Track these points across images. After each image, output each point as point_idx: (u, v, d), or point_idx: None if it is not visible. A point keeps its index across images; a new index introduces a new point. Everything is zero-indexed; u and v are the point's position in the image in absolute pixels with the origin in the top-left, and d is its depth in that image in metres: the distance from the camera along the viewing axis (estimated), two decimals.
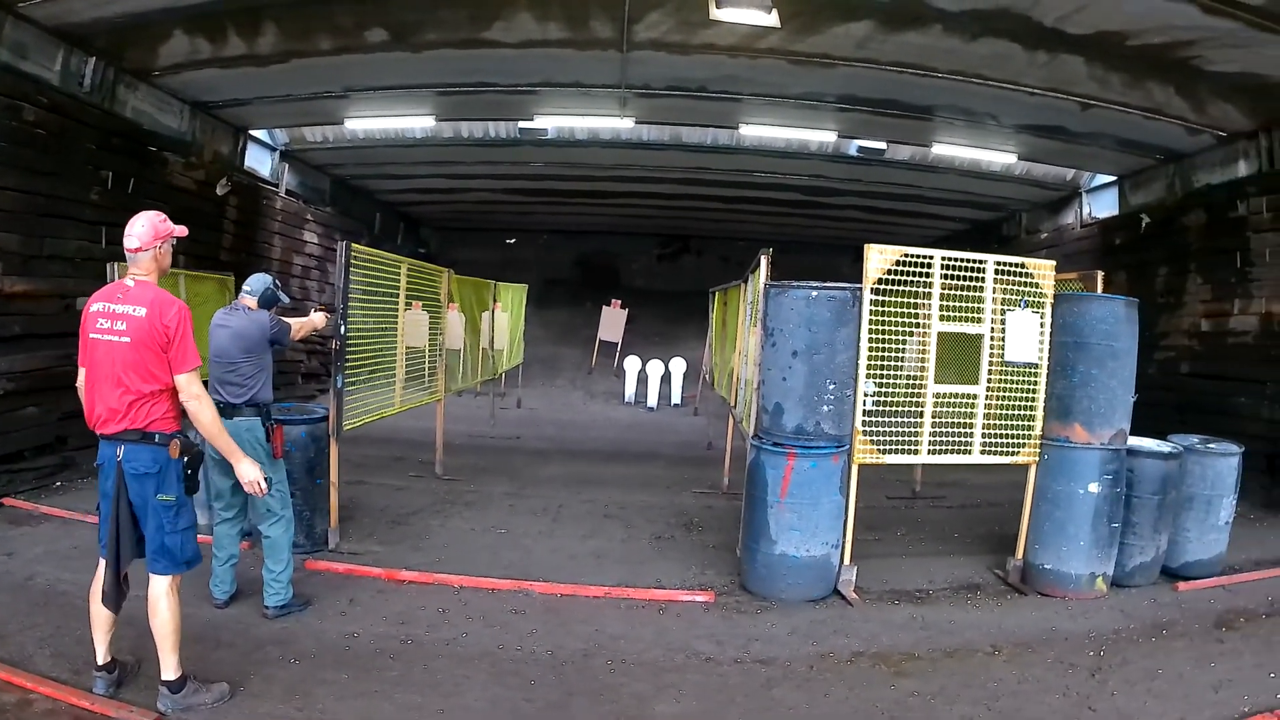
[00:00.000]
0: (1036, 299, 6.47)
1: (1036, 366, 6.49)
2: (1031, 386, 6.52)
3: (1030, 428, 6.52)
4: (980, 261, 6.35)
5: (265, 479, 4.32)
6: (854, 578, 6.33)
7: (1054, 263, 6.53)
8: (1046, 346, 6.51)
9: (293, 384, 12.75)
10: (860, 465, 6.25)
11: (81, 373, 4.05)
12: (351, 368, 6.75)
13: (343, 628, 5.22)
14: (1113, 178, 12.53)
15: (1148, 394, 10.96)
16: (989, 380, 6.44)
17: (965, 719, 4.53)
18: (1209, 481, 6.90)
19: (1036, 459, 6.55)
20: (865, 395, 6.17)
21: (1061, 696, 4.83)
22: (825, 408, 6.15)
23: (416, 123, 11.67)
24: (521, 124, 11.52)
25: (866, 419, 6.22)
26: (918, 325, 6.31)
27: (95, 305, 3.96)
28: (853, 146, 11.96)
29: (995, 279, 6.39)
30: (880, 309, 6.17)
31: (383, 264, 7.58)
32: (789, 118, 10.68)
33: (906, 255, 6.22)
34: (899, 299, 6.24)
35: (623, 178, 14.48)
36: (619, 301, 18.28)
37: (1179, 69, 8.15)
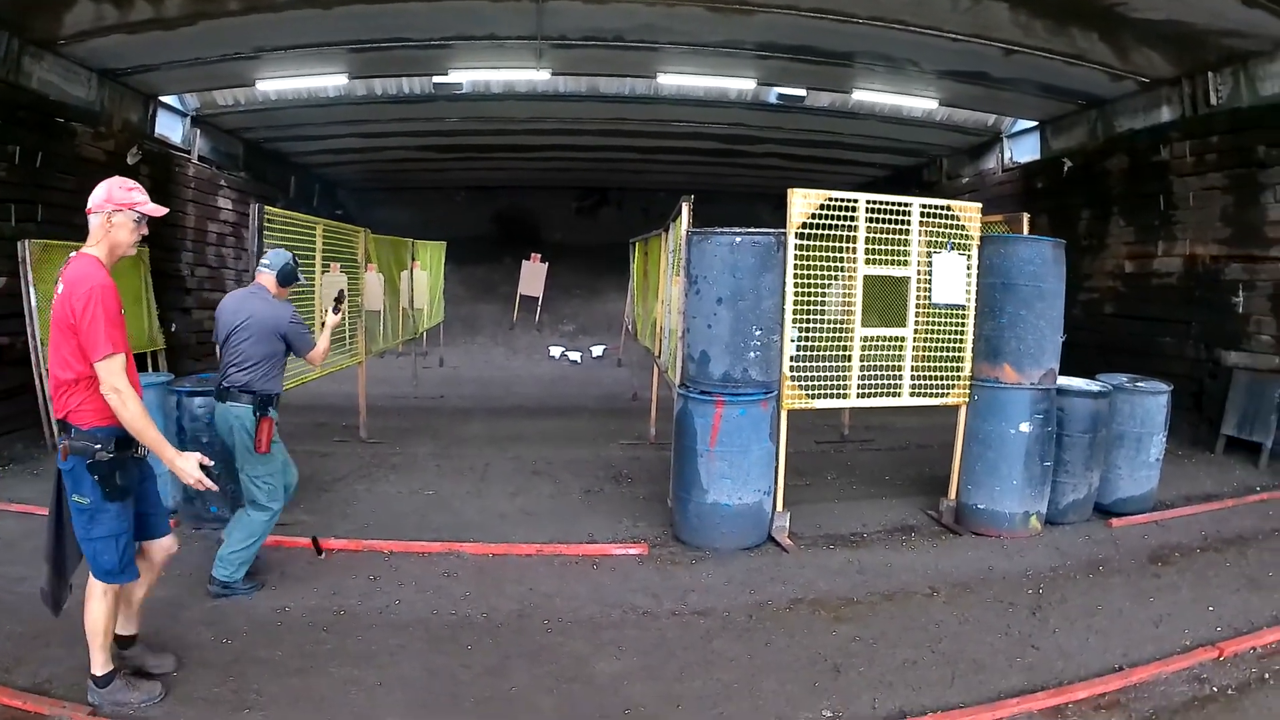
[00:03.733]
0: (962, 241, 6.34)
1: (963, 308, 6.42)
2: (959, 328, 6.45)
3: (959, 369, 6.47)
4: (905, 205, 6.26)
5: (215, 474, 3.88)
6: (788, 524, 6.25)
7: (980, 205, 6.44)
8: (973, 288, 6.42)
9: (211, 353, 12.20)
10: (789, 411, 6.12)
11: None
12: None
13: (274, 602, 4.98)
14: (1034, 123, 12.59)
15: (1073, 334, 11.04)
16: (916, 323, 6.36)
17: (909, 662, 4.45)
18: (1139, 419, 6.92)
19: (967, 400, 6.50)
20: (791, 341, 6.00)
21: (1004, 636, 4.78)
22: (752, 354, 6.01)
23: (329, 81, 11.23)
24: (436, 79, 11.11)
25: (794, 364, 6.10)
26: (843, 269, 6.14)
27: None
28: (772, 94, 11.77)
29: (921, 222, 6.30)
30: (805, 253, 6.03)
31: (297, 226, 7.28)
32: (708, 66, 10.46)
33: (831, 199, 6.09)
34: (824, 243, 6.11)
35: (539, 131, 14.14)
36: (538, 255, 17.93)
37: (1103, 16, 8.13)
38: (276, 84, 11.00)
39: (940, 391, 6.44)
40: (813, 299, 6.08)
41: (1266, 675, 4.32)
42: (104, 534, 3.59)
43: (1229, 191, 9.05)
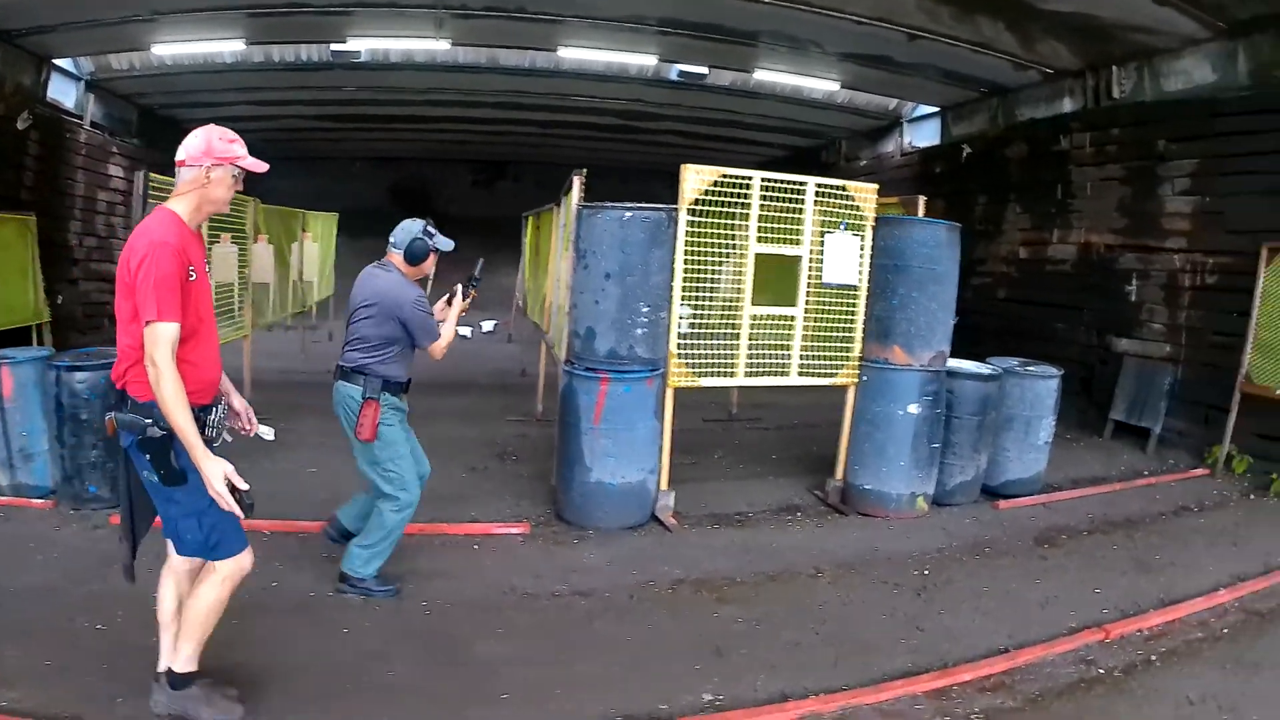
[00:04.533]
0: (857, 222, 6.27)
1: (855, 289, 6.35)
2: (851, 309, 6.40)
3: (849, 350, 6.43)
4: (801, 183, 6.16)
5: (238, 489, 3.07)
6: (672, 503, 6.12)
7: (876, 186, 6.38)
8: (866, 269, 6.36)
9: (100, 327, 11.63)
10: (676, 389, 6.00)
11: None
12: None
13: (152, 589, 4.64)
14: (935, 109, 12.66)
15: (966, 318, 11.11)
16: (807, 303, 6.28)
17: (793, 644, 4.36)
18: (1028, 403, 6.97)
19: (856, 381, 6.44)
20: (680, 319, 5.88)
21: (889, 618, 4.72)
22: (639, 331, 5.87)
23: (226, 46, 10.73)
24: (334, 46, 10.71)
25: (681, 342, 5.97)
26: (735, 247, 6.03)
27: None
28: (674, 71, 11.60)
29: (816, 201, 6.19)
30: (697, 230, 5.90)
31: None
32: (610, 40, 10.25)
33: (725, 176, 5.98)
34: (717, 220, 5.99)
35: (438, 102, 13.81)
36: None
37: (1011, 6, 8.19)
38: (172, 48, 10.50)
39: (829, 371, 6.39)
40: (703, 276, 5.95)
41: (1152, 657, 4.34)
42: (182, 512, 3.18)
43: (1127, 183, 9.20)
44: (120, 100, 12.75)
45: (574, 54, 10.84)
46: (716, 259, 6.01)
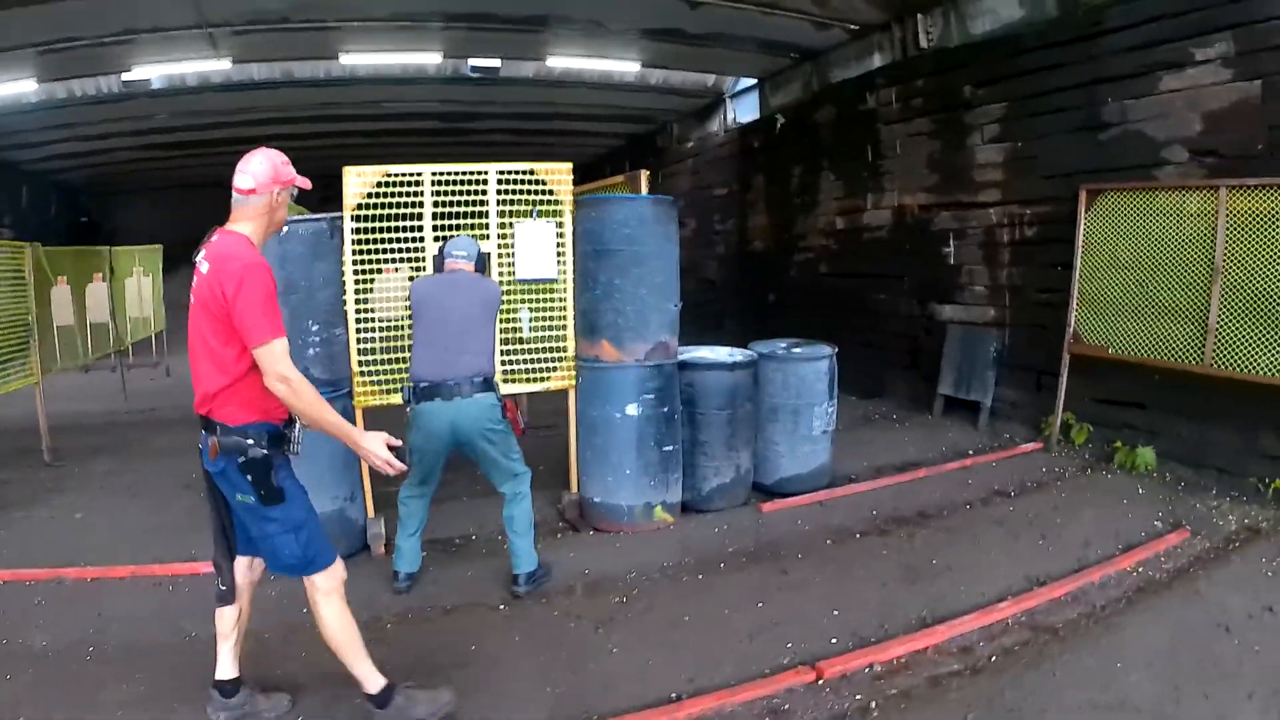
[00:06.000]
0: (552, 208, 5.65)
1: (554, 281, 5.70)
2: (559, 304, 5.78)
3: (564, 349, 5.79)
4: (480, 173, 5.58)
5: (394, 447, 3.29)
6: (383, 531, 5.49)
7: (570, 165, 5.74)
8: (570, 259, 5.71)
9: None
10: (366, 409, 5.41)
11: None
12: None
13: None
14: (753, 81, 11.91)
15: (789, 296, 10.42)
16: (512, 302, 5.69)
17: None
18: (793, 391, 6.27)
19: (573, 382, 5.78)
20: (356, 333, 5.38)
21: (546, 659, 4.04)
22: (311, 351, 5.27)
23: (20, 87, 10.33)
24: (124, 76, 10.20)
25: (364, 358, 5.38)
26: (412, 248, 5.44)
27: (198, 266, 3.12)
28: (466, 66, 10.93)
29: (499, 190, 5.59)
30: (366, 237, 5.36)
31: None
32: (390, 42, 9.67)
33: (389, 174, 5.44)
34: (392, 223, 5.43)
35: (255, 121, 13.16)
36: None
37: None
38: None
39: (543, 375, 5.76)
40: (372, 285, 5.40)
41: (873, 705, 3.58)
42: (279, 529, 3.21)
43: (935, 137, 8.46)
44: None
45: (356, 59, 10.25)
46: (395, 265, 5.44)
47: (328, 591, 3.28)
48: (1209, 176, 6.05)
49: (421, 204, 5.47)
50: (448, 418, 4.48)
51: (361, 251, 5.35)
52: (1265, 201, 5.61)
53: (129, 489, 7.00)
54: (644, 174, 6.08)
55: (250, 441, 3.12)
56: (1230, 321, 5.80)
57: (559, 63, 10.77)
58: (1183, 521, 5.46)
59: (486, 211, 5.58)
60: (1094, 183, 6.62)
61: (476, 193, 5.56)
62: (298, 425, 3.30)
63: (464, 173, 5.54)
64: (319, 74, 10.81)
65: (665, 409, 5.65)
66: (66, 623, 4.58)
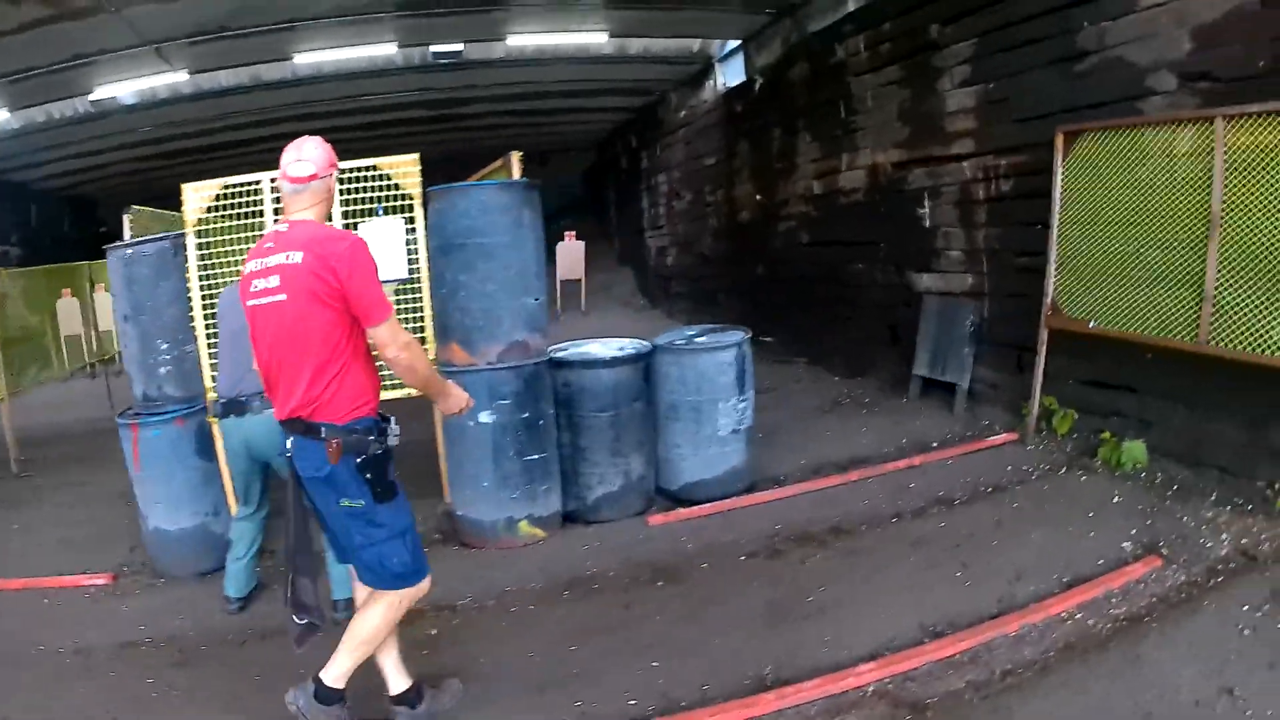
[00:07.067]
0: (400, 203, 4.67)
1: (409, 281, 4.71)
2: (415, 305, 4.91)
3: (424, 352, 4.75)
4: None
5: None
6: None
7: (416, 157, 4.76)
8: (423, 257, 4.70)
9: None
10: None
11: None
12: None
13: None
14: (738, 43, 10.10)
15: (773, 270, 8.76)
16: None
17: None
18: (691, 385, 5.06)
19: None
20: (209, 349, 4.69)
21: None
22: (163, 370, 4.90)
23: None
24: (91, 96, 9.59)
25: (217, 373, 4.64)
26: None
27: (250, 265, 2.77)
28: (428, 54, 9.69)
29: (342, 190, 4.74)
30: (212, 251, 4.74)
31: None
32: (340, 37, 8.65)
33: (228, 186, 4.84)
34: (240, 234, 4.75)
35: (236, 125, 12.29)
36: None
37: None
38: None
39: (398, 381, 4.80)
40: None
41: None
42: (387, 535, 2.80)
43: (905, 85, 6.78)
44: None
45: (312, 58, 9.27)
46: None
47: (404, 597, 2.84)
48: (1203, 105, 4.34)
49: (262, 212, 4.66)
50: (242, 435, 3.85)
51: (207, 267, 4.67)
52: (1270, 133, 3.89)
53: (74, 501, 6.43)
54: (515, 155, 5.00)
55: (372, 438, 2.71)
56: (1231, 287, 4.10)
57: (522, 41, 9.54)
58: (1159, 543, 3.92)
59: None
60: (1071, 123, 4.98)
61: None
62: (392, 419, 2.84)
63: None
64: (286, 75, 9.92)
65: (526, 414, 4.63)
66: None
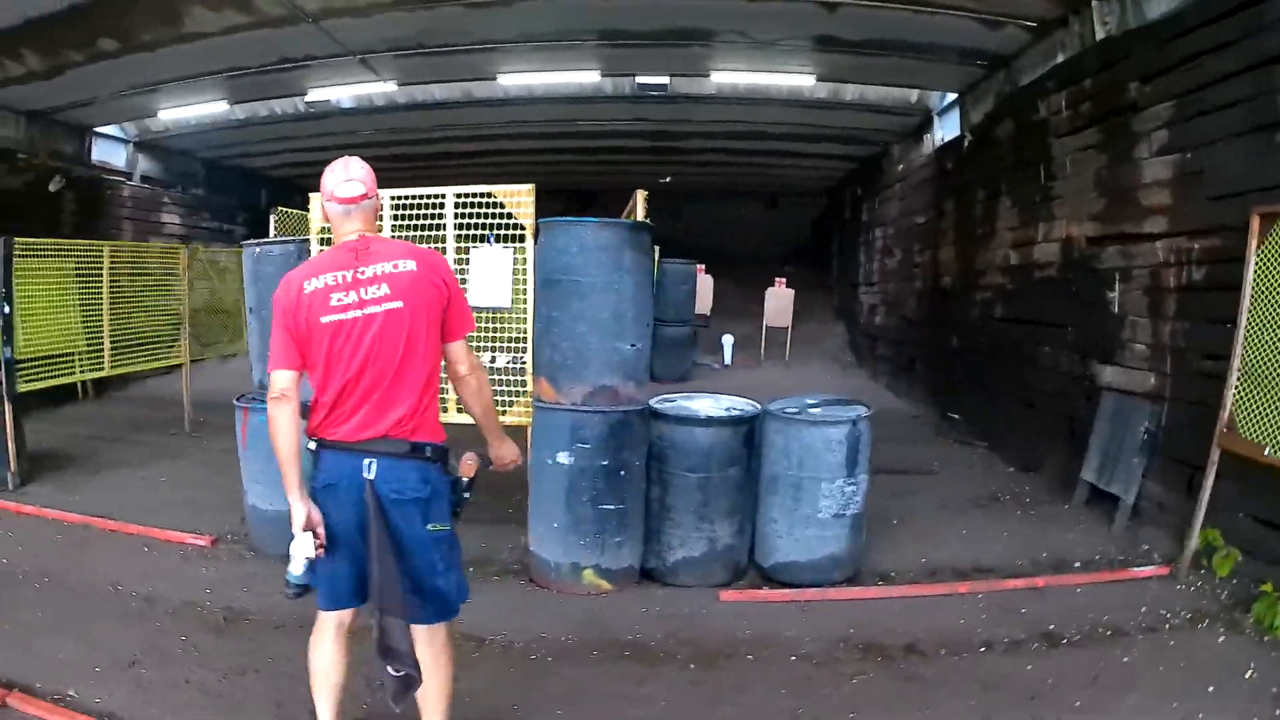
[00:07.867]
0: (511, 232, 4.71)
1: (506, 311, 4.78)
2: (516, 334, 4.96)
3: (523, 382, 4.98)
4: (438, 196, 4.92)
5: None
6: None
7: (531, 187, 4.80)
8: (531, 287, 4.82)
9: None
10: None
11: (286, 375, 2.58)
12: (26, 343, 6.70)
13: None
14: (955, 95, 9.25)
15: (971, 341, 7.86)
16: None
17: None
18: (794, 459, 4.64)
19: (529, 420, 4.87)
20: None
21: None
22: None
23: (214, 108, 10.49)
24: (306, 98, 10.21)
25: None
26: None
27: (316, 281, 2.54)
28: (635, 84, 9.61)
29: (457, 214, 4.91)
30: None
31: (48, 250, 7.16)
32: (542, 61, 8.80)
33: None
34: None
35: (449, 138, 12.60)
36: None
37: None
38: (173, 113, 10.85)
39: (502, 408, 4.79)
40: None
41: None
42: (456, 560, 2.72)
43: (1103, 149, 5.92)
44: (179, 155, 13.27)
45: (513, 80, 9.54)
46: None
47: (451, 632, 2.76)
48: None
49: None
50: None
51: None
52: None
53: (222, 466, 6.69)
54: (640, 194, 4.82)
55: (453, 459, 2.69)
56: None
57: (728, 78, 9.35)
58: None
59: (444, 235, 4.73)
60: (1269, 203, 4.13)
61: (434, 216, 4.89)
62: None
63: (422, 196, 4.90)
64: (497, 94, 10.20)
65: (606, 462, 4.50)
66: (57, 560, 4.74)
